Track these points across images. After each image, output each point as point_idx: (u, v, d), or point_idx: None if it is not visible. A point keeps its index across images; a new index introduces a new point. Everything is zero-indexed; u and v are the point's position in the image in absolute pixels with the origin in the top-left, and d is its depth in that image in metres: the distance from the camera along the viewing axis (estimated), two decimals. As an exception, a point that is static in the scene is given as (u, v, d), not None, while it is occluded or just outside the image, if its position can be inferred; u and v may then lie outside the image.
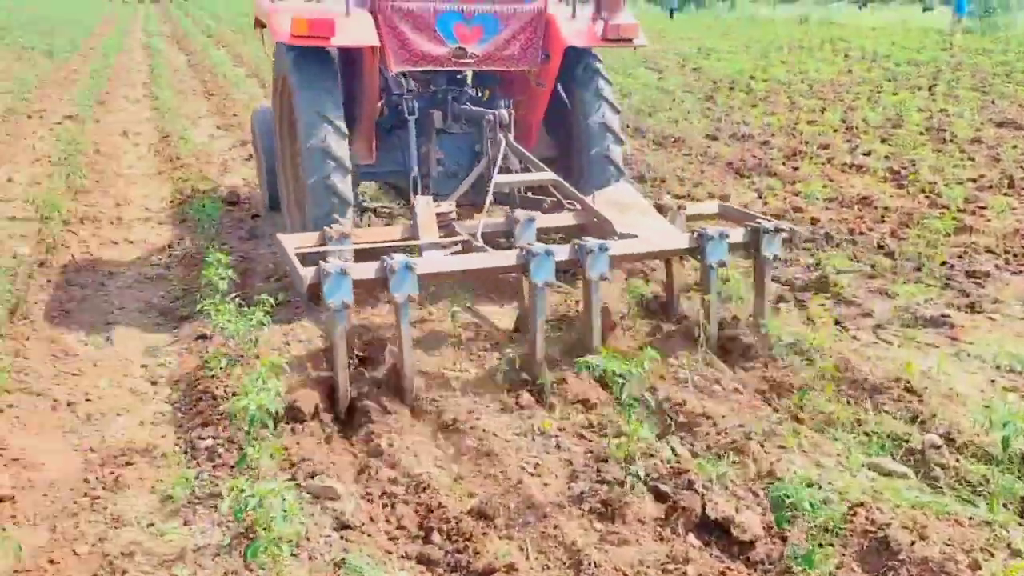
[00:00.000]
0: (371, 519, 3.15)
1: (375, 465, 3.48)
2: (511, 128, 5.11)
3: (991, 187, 7.96)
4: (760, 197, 7.72)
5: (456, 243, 4.67)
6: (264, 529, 2.71)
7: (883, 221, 6.93)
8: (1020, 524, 3.11)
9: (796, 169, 8.75)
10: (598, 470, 3.43)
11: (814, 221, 6.83)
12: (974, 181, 8.17)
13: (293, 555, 2.85)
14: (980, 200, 7.43)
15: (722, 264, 4.47)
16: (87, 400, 4.11)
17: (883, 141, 10.07)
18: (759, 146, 9.98)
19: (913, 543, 2.84)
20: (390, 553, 2.98)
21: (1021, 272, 5.87)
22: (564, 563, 2.91)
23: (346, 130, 5.03)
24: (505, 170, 5.07)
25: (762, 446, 3.57)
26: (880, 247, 6.25)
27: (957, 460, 3.49)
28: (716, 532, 3.08)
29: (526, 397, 4.06)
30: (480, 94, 5.93)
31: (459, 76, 5.77)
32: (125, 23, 32.59)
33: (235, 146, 9.99)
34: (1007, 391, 4.18)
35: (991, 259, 6.08)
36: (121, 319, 5.15)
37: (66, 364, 4.48)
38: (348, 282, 3.79)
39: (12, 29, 25.67)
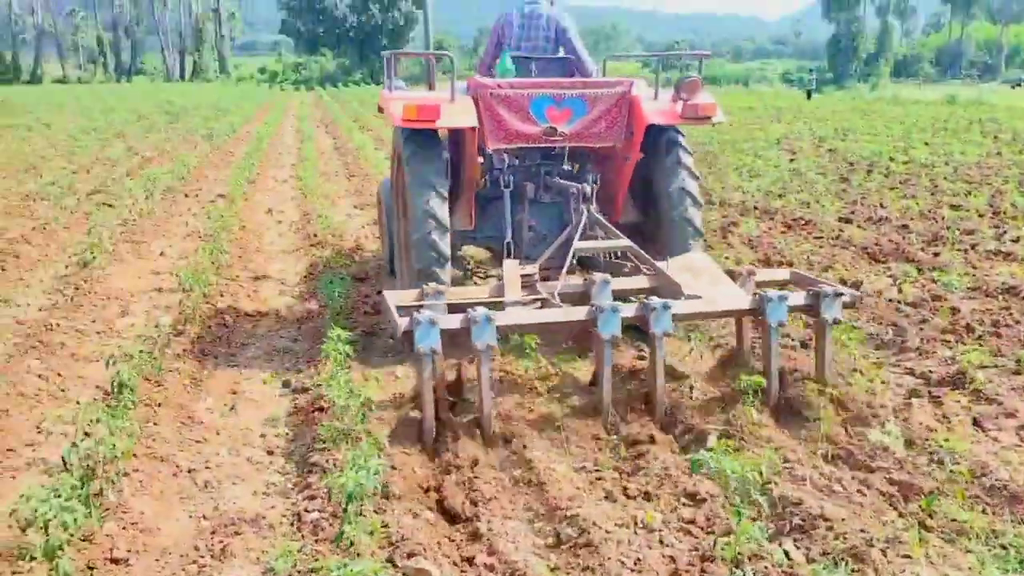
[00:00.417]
0: (464, 605, 3.10)
1: (473, 550, 3.45)
2: (592, 199, 5.65)
3: None
4: (895, 283, 7.36)
5: (536, 300, 5.12)
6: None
7: (1032, 313, 6.45)
8: None
9: (936, 255, 8.32)
10: (703, 570, 3.27)
11: (954, 311, 6.44)
12: None
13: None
14: None
15: (781, 324, 4.73)
16: (206, 467, 4.28)
17: (1034, 227, 9.46)
18: (896, 230, 9.56)
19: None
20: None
21: None
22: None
23: (447, 195, 5.65)
24: (588, 237, 5.54)
25: (884, 554, 3.31)
26: (1027, 341, 5.81)
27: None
28: (828, 647, 2.86)
29: (633, 487, 3.96)
30: (572, 167, 6.44)
31: (553, 152, 6.28)
32: (280, 109, 34.96)
33: (368, 224, 10.41)
34: None
35: None
36: (247, 389, 5.37)
37: (192, 431, 4.70)
38: (436, 331, 4.28)
39: (184, 115, 28.00)
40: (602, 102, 5.77)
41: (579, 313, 4.67)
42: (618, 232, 5.62)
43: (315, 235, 9.63)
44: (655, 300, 4.63)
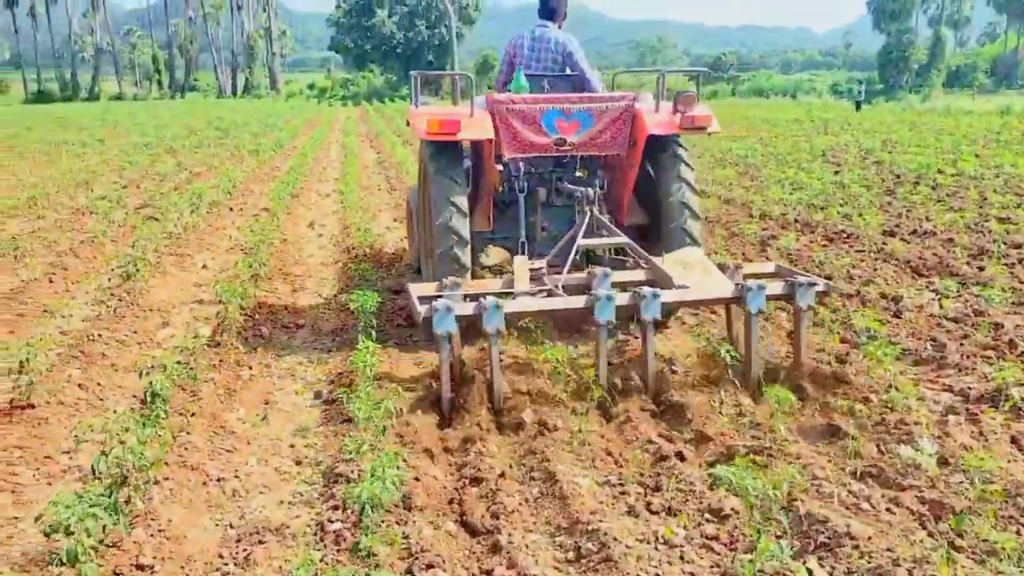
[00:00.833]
0: (480, 618, 3.10)
1: (492, 563, 3.45)
2: (596, 202, 6.15)
3: None
4: (937, 298, 7.20)
5: (542, 291, 5.60)
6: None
7: (1079, 329, 6.26)
8: None
9: (981, 269, 8.12)
10: (723, 587, 3.23)
11: (997, 327, 6.28)
12: None
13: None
14: None
15: (760, 312, 5.17)
16: (235, 477, 4.35)
17: (1087, 241, 9.19)
18: (942, 244, 9.37)
19: None
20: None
21: None
22: None
23: (467, 202, 6.14)
24: (593, 236, 6.07)
25: (911, 574, 3.23)
26: (1073, 358, 5.64)
27: None
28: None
29: (657, 501, 3.93)
30: (582, 174, 6.97)
31: (564, 160, 6.81)
32: (327, 124, 35.49)
33: (406, 238, 10.50)
34: None
35: None
36: (279, 400, 5.45)
37: (223, 441, 4.78)
38: (452, 316, 4.83)
39: (234, 131, 28.57)
40: (607, 115, 6.31)
41: (578, 301, 5.15)
42: (618, 231, 6.17)
43: (353, 248, 9.75)
44: (646, 289, 5.12)
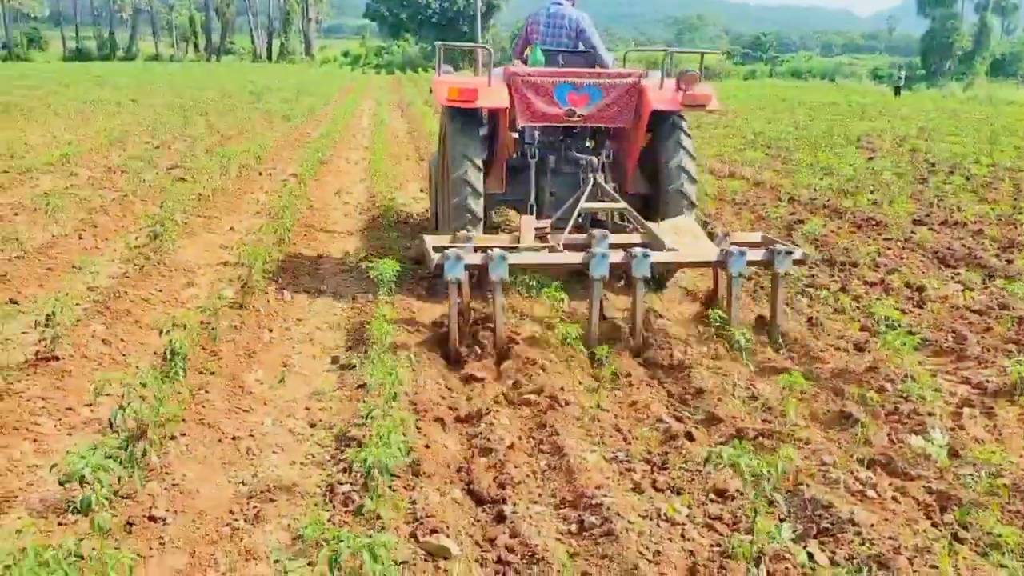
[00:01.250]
0: (479, 584, 3.16)
1: (496, 531, 3.51)
2: (599, 170, 6.76)
3: None
4: (963, 289, 7.12)
5: (544, 248, 6.13)
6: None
7: (1106, 326, 6.17)
8: None
9: (1010, 262, 8.01)
10: (722, 566, 3.26)
11: (1020, 320, 6.21)
12: None
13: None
14: None
15: (741, 275, 5.79)
16: (251, 436, 4.44)
17: (1122, 237, 9.01)
18: (971, 235, 9.24)
19: None
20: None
21: None
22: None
23: (482, 166, 6.65)
24: (596, 201, 6.64)
25: (911, 563, 3.25)
26: (1097, 355, 5.56)
27: None
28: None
29: (662, 479, 3.96)
30: (591, 144, 7.43)
31: (575, 130, 7.27)
32: (360, 92, 35.50)
33: (428, 210, 10.52)
34: None
35: None
36: (297, 363, 5.53)
37: (240, 401, 4.87)
38: (461, 264, 5.40)
39: (267, 95, 28.68)
40: (615, 90, 6.75)
41: (575, 257, 5.73)
42: (618, 197, 6.68)
43: (379, 217, 9.79)
44: (637, 249, 5.64)
